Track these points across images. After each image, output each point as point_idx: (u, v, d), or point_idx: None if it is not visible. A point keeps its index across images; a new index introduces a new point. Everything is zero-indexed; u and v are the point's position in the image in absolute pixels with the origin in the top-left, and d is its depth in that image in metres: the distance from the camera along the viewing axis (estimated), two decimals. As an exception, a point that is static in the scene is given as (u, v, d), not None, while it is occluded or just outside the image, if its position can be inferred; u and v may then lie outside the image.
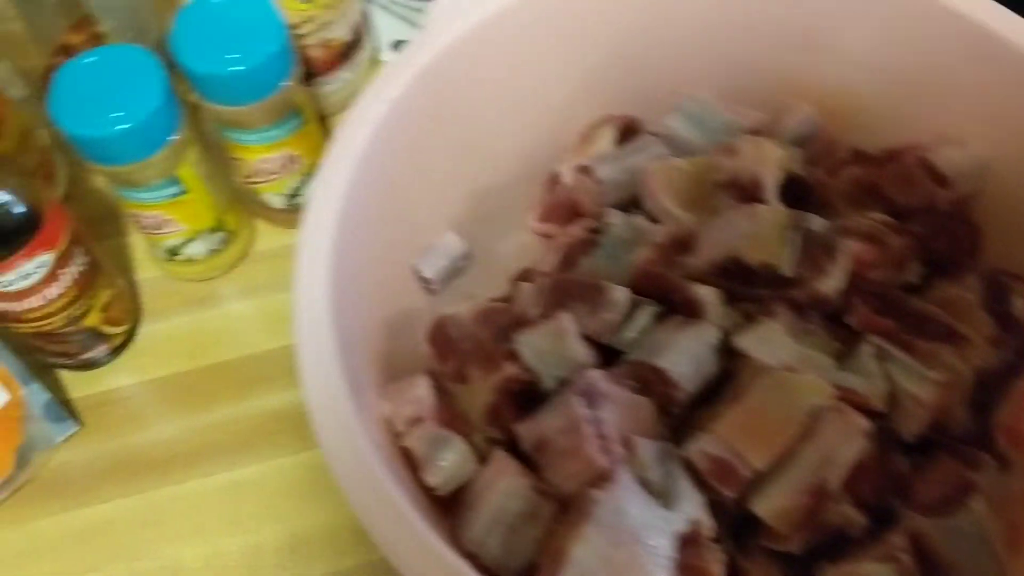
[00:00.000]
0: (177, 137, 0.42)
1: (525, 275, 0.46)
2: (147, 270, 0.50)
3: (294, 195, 0.49)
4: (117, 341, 0.47)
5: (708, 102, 0.46)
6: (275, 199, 0.49)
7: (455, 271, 0.46)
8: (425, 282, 0.45)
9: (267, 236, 0.51)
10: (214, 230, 0.47)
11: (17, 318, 0.42)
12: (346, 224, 0.38)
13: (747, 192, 0.42)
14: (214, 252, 0.48)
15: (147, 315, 0.49)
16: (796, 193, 0.43)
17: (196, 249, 0.47)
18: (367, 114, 0.40)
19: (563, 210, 0.47)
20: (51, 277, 0.41)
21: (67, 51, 0.48)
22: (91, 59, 0.41)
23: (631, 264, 0.42)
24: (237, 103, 0.42)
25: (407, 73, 0.41)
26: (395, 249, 0.44)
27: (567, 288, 0.41)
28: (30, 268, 0.40)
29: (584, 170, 0.46)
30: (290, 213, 0.49)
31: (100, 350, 0.46)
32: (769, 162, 0.43)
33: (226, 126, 0.44)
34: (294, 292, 0.37)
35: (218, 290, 0.49)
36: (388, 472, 0.32)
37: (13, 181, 0.39)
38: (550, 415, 0.37)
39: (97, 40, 0.48)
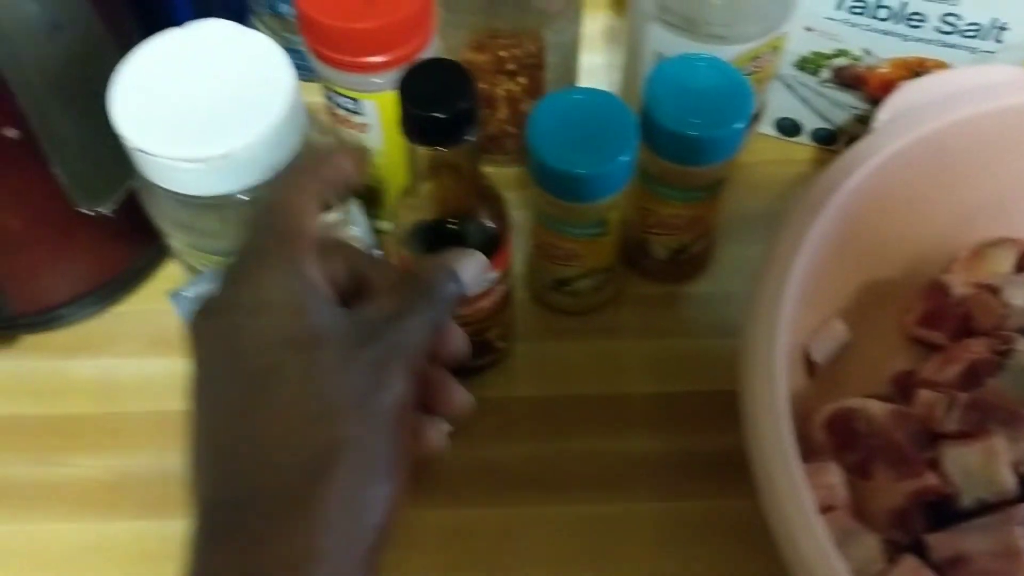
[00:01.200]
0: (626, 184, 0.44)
1: (908, 378, 0.46)
2: (520, 291, 0.52)
3: (680, 251, 0.50)
4: (499, 355, 0.49)
5: (1125, 247, 0.46)
6: (662, 251, 0.50)
7: (835, 358, 0.47)
8: (810, 364, 0.46)
9: (643, 283, 0.52)
10: (607, 270, 0.49)
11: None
12: (790, 300, 0.40)
13: None
14: (596, 289, 0.49)
15: (520, 335, 0.50)
16: None
17: (584, 284, 0.49)
18: (821, 202, 0.42)
19: (951, 321, 0.48)
20: (490, 291, 0.43)
21: (477, 67, 0.50)
22: (576, 96, 0.43)
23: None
24: (692, 165, 0.44)
25: (864, 166, 0.43)
26: (795, 328, 0.45)
27: (987, 409, 0.41)
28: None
29: (989, 289, 0.46)
30: (668, 265, 0.51)
31: (485, 360, 0.48)
32: None
33: (662, 181, 0.46)
34: (746, 359, 0.39)
35: (591, 323, 0.51)
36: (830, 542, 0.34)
37: (489, 203, 0.41)
38: (978, 536, 0.38)
39: (503, 69, 0.50)
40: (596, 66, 0.58)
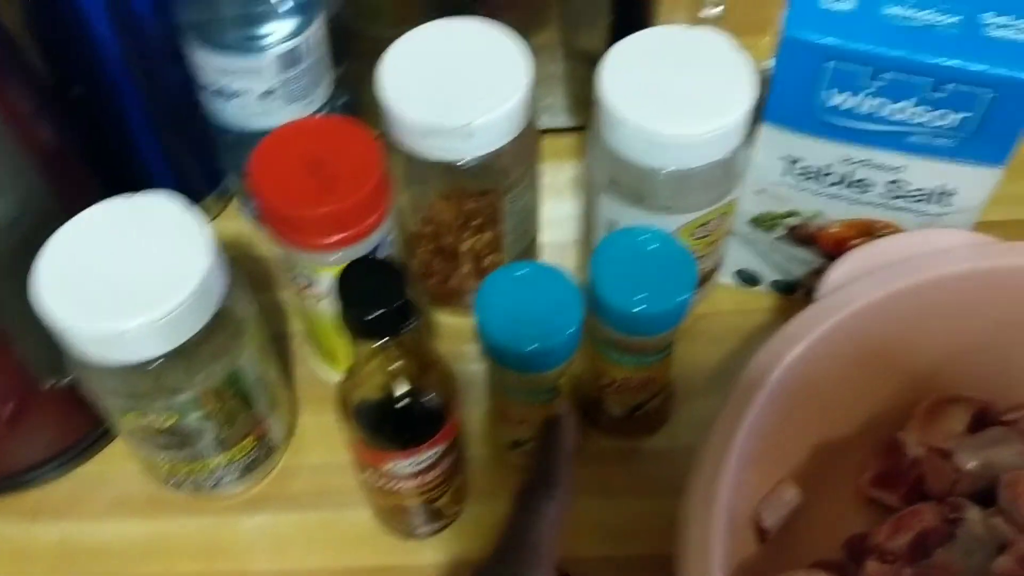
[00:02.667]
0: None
1: (861, 542, 0.46)
2: (476, 447, 0.52)
3: (637, 408, 0.50)
4: (447, 521, 0.49)
5: (1076, 410, 0.46)
6: (617, 409, 0.50)
7: (787, 522, 0.46)
8: (760, 530, 0.46)
9: (602, 439, 0.52)
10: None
11: (388, 492, 0.44)
12: (733, 467, 0.41)
13: (1123, 521, 0.42)
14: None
15: (471, 495, 0.50)
16: None
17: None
18: (767, 372, 0.43)
19: (905, 483, 0.48)
20: (435, 465, 0.43)
21: (440, 221, 0.51)
22: (520, 272, 0.44)
23: (988, 570, 0.42)
24: (639, 335, 0.44)
25: (806, 338, 0.44)
26: (745, 493, 0.45)
27: (934, 585, 0.41)
28: (424, 457, 0.42)
29: (941, 453, 0.46)
30: (623, 422, 0.51)
31: (430, 527, 0.48)
32: None
33: (611, 347, 0.46)
34: (683, 531, 0.39)
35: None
36: None
37: (437, 380, 0.42)
38: None
39: (470, 224, 0.51)
40: (562, 216, 0.59)
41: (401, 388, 0.40)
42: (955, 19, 0.41)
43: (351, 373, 0.41)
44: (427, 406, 0.41)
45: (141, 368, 0.40)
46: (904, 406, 0.50)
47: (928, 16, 0.42)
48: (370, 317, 0.35)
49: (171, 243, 0.40)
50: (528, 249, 0.55)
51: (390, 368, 0.39)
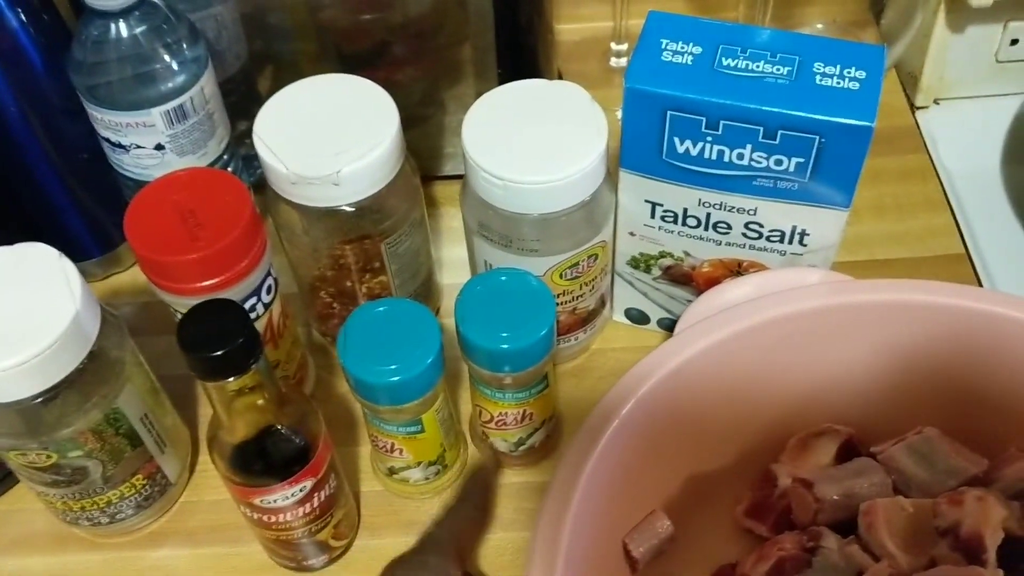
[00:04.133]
0: (434, 390, 0.47)
1: (727, 572, 0.48)
2: (371, 483, 0.54)
3: (520, 443, 0.52)
4: (337, 553, 0.51)
5: (935, 440, 0.48)
6: (502, 444, 0.52)
7: (659, 552, 0.48)
8: (631, 560, 0.47)
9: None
10: (432, 463, 0.51)
11: (265, 525, 0.46)
12: (583, 499, 0.42)
13: (967, 547, 0.43)
14: (427, 480, 0.52)
15: (364, 529, 0.52)
16: (1013, 550, 0.44)
17: (413, 475, 0.51)
18: (617, 407, 0.44)
19: (773, 513, 0.49)
20: (306, 499, 0.45)
21: (338, 266, 0.53)
22: (381, 308, 0.46)
23: (841, 595, 0.43)
24: (507, 372, 0.46)
25: (656, 375, 0.45)
26: (610, 524, 0.47)
27: (780, 612, 0.42)
28: (293, 491, 0.44)
29: (804, 483, 0.48)
30: (511, 456, 0.53)
31: (321, 559, 0.50)
32: (992, 522, 0.43)
33: (483, 383, 0.48)
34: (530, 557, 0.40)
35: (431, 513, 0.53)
36: None
37: (297, 417, 0.44)
38: None
39: (368, 267, 0.53)
40: (463, 259, 0.61)
41: (260, 426, 0.43)
42: (786, 70, 0.44)
43: (214, 415, 0.43)
44: (289, 443, 0.43)
45: (14, 407, 0.42)
46: (780, 438, 0.51)
47: (761, 68, 0.44)
48: (212, 357, 0.37)
49: (43, 290, 0.42)
50: (422, 290, 0.57)
51: (246, 407, 0.41)
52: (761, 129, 0.43)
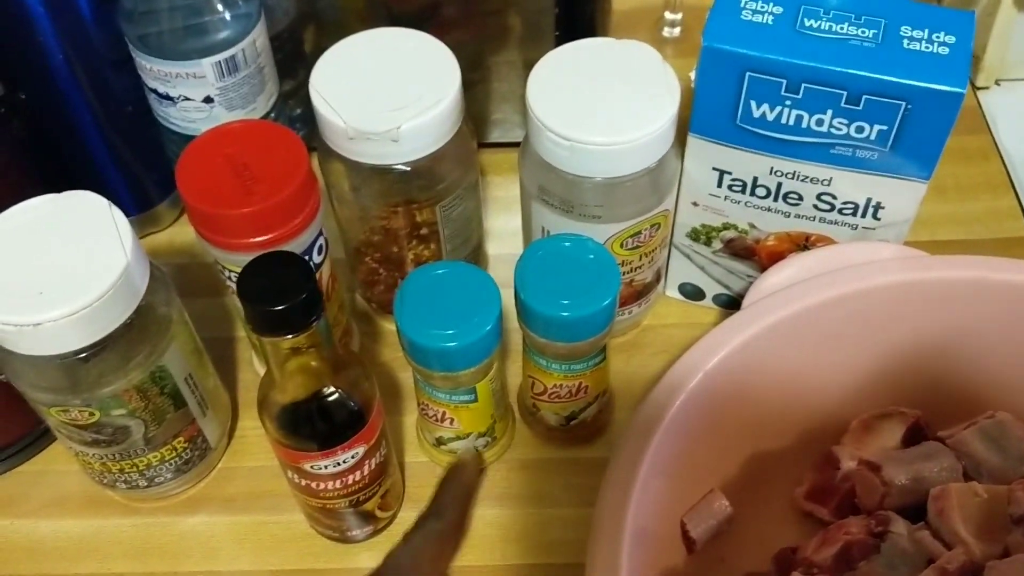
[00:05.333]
0: (491, 358, 0.45)
1: (788, 556, 0.46)
2: (415, 454, 0.52)
3: (571, 418, 0.50)
4: (381, 524, 0.49)
5: (1008, 425, 0.46)
6: (553, 418, 0.50)
7: (718, 533, 0.46)
8: (688, 540, 0.45)
9: (526, 445, 0.53)
10: (482, 435, 0.50)
11: (311, 492, 0.45)
12: (648, 475, 0.41)
13: (1045, 536, 0.41)
14: (477, 451, 0.50)
15: (408, 500, 0.51)
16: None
17: (460, 446, 0.49)
18: (684, 381, 0.43)
19: (836, 496, 0.47)
20: (357, 466, 0.44)
21: (385, 230, 0.52)
22: (441, 271, 0.44)
23: (912, 582, 0.42)
24: (566, 341, 0.45)
25: (723, 349, 0.44)
26: (670, 502, 0.45)
27: (850, 598, 0.41)
28: (345, 457, 0.43)
29: (871, 466, 0.46)
30: (561, 431, 0.51)
31: (365, 531, 0.48)
32: (1072, 511, 0.42)
33: (539, 352, 0.46)
34: (592, 541, 0.39)
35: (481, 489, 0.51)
36: None
37: (351, 380, 0.42)
38: None
39: (416, 233, 0.52)
40: (511, 229, 0.60)
41: (314, 388, 0.41)
42: (871, 32, 0.42)
43: (267, 373, 0.42)
44: (343, 406, 0.42)
45: (59, 361, 0.40)
46: (842, 420, 0.49)
47: (845, 30, 0.42)
48: (272, 311, 0.36)
49: (92, 240, 0.41)
50: (472, 258, 0.55)
51: (301, 367, 0.40)
52: (845, 94, 0.41)
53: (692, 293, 0.56)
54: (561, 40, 0.57)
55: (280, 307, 0.36)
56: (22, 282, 0.40)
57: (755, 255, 0.52)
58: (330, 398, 0.41)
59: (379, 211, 0.50)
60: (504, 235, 0.60)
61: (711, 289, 0.55)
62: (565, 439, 0.52)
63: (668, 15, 0.68)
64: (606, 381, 0.50)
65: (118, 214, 0.41)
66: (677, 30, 0.68)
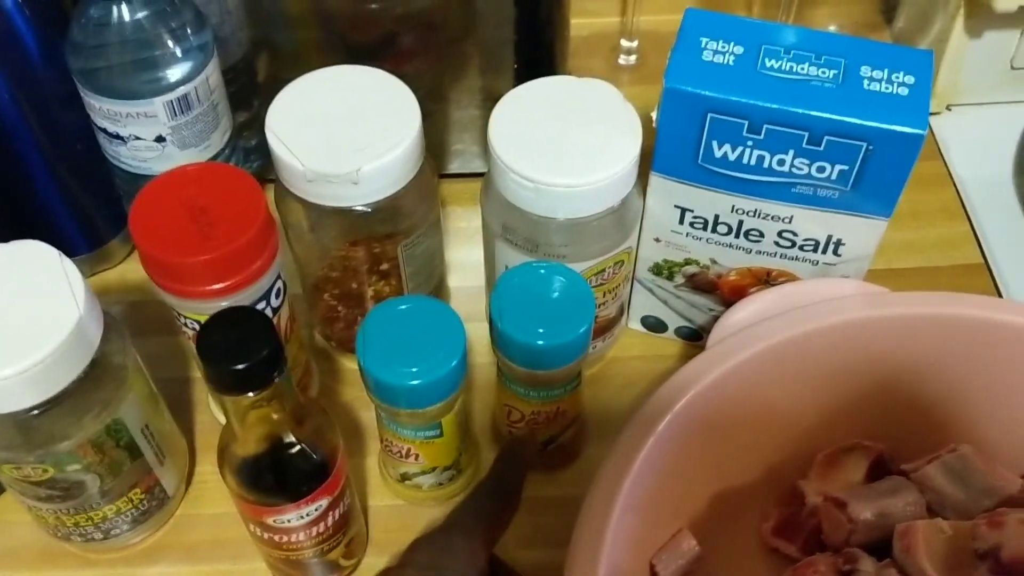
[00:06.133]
0: (457, 393, 0.44)
1: (757, 594, 0.46)
2: (380, 498, 0.51)
3: (549, 442, 0.50)
4: (346, 573, 0.48)
5: (969, 458, 0.46)
6: (527, 448, 0.50)
7: (686, 573, 0.46)
8: (657, 581, 0.45)
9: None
10: (447, 468, 0.49)
11: (274, 544, 0.44)
12: (622, 514, 0.41)
13: (1010, 571, 0.42)
14: (440, 485, 0.50)
15: (373, 546, 0.50)
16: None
17: (427, 481, 0.49)
18: (654, 421, 0.43)
19: (803, 533, 0.47)
20: (321, 518, 0.43)
21: (345, 267, 0.51)
22: (403, 306, 0.44)
23: (878, 621, 0.42)
24: (543, 369, 0.44)
25: (691, 388, 0.43)
26: (639, 543, 0.45)
27: (819, 640, 0.41)
28: (308, 510, 0.42)
29: (836, 502, 0.46)
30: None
31: (330, 580, 0.48)
32: (1035, 545, 0.42)
33: (517, 381, 0.46)
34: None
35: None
36: None
37: (314, 430, 0.41)
38: None
39: (376, 269, 0.51)
40: (473, 261, 0.59)
41: (276, 440, 0.40)
42: (832, 73, 0.42)
43: (226, 427, 0.41)
44: (306, 459, 0.41)
45: (11, 419, 0.39)
46: (808, 453, 0.50)
47: (806, 70, 0.42)
48: (233, 370, 0.35)
49: (42, 293, 0.39)
50: (434, 293, 0.55)
51: (262, 419, 0.39)
52: (807, 135, 0.41)
53: (655, 325, 0.56)
54: (520, 69, 0.57)
55: (241, 366, 0.35)
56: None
57: (717, 289, 0.52)
58: (292, 450, 0.40)
59: (337, 249, 0.49)
60: (466, 267, 0.59)
61: (673, 322, 0.55)
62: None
63: (624, 42, 0.68)
64: (582, 402, 0.50)
65: (69, 265, 0.40)
66: (633, 58, 0.68)
